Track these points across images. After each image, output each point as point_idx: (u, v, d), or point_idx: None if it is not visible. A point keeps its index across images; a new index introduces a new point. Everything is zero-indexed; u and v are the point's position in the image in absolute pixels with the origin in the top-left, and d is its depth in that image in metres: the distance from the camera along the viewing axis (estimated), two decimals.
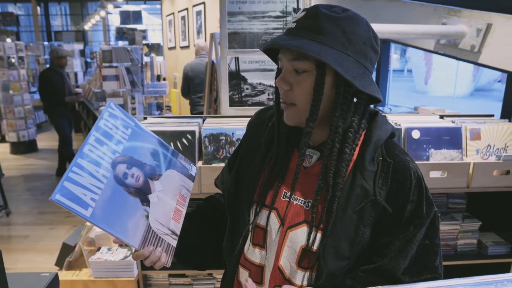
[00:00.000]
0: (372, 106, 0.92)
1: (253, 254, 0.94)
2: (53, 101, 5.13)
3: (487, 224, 2.06)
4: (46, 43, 11.52)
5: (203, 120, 1.95)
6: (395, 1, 2.73)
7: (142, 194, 0.90)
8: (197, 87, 4.74)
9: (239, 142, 1.09)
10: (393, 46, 4.06)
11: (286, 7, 2.03)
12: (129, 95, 4.39)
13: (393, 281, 0.83)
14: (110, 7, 9.14)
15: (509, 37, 2.06)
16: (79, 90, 5.66)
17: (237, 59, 2.07)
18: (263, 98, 2.12)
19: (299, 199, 0.89)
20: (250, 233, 0.96)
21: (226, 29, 2.04)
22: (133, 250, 0.87)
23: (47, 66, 9.88)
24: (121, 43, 8.91)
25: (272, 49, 0.89)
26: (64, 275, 2.06)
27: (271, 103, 2.12)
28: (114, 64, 4.38)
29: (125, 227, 0.84)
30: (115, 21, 12.98)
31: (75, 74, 9.72)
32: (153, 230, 0.89)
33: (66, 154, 5.44)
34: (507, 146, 1.89)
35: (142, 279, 2.02)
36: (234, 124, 1.86)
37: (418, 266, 0.85)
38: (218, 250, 1.04)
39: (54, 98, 5.10)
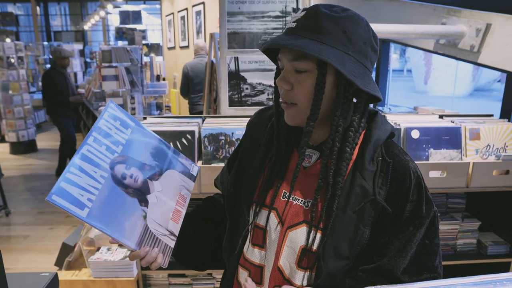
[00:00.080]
0: (371, 105, 0.92)
1: (253, 254, 0.94)
2: (56, 101, 5.12)
3: (487, 224, 2.06)
4: (45, 43, 11.52)
5: (203, 120, 1.95)
6: (395, 1, 2.73)
7: (141, 194, 0.90)
8: (196, 86, 4.75)
9: (239, 142, 1.09)
10: (392, 46, 4.06)
11: (285, 7, 2.03)
12: (128, 95, 4.39)
13: (393, 281, 0.83)
14: (109, 7, 9.14)
15: (508, 37, 2.06)
16: (82, 90, 5.66)
17: (236, 59, 2.07)
18: (262, 98, 2.12)
19: (299, 199, 0.89)
20: (249, 233, 0.96)
21: (226, 29, 2.04)
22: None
23: (47, 66, 9.97)
24: (120, 43, 8.90)
25: (271, 49, 0.89)
26: (64, 275, 2.06)
27: (271, 103, 2.12)
28: (114, 64, 4.38)
29: (122, 227, 0.84)
30: (114, 21, 12.98)
31: (75, 74, 9.71)
32: (150, 230, 0.88)
33: (70, 154, 5.43)
34: (507, 146, 1.89)
35: (141, 279, 2.02)
36: (233, 124, 1.86)
37: (418, 265, 0.85)
38: (218, 250, 1.04)
39: (57, 98, 5.10)
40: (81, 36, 15.01)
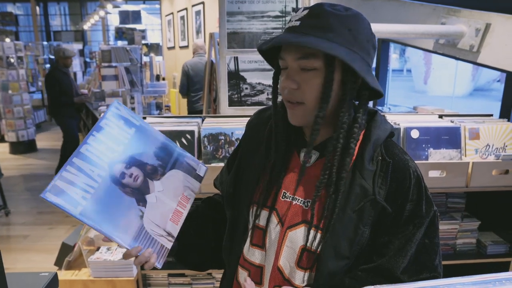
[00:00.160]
0: (371, 105, 0.92)
1: (253, 254, 0.94)
2: (61, 101, 5.12)
3: (486, 224, 2.06)
4: (45, 43, 11.50)
5: (202, 120, 1.95)
6: (394, 0, 2.74)
7: (139, 194, 0.89)
8: (196, 85, 4.77)
9: (238, 142, 1.09)
10: (392, 45, 4.07)
11: (285, 7, 2.03)
12: (128, 95, 4.39)
13: (392, 280, 0.83)
14: (109, 7, 9.14)
15: (508, 36, 2.06)
16: (85, 91, 5.66)
17: (236, 59, 2.07)
18: (262, 98, 2.12)
19: (299, 199, 0.89)
20: (249, 233, 0.96)
21: (225, 29, 2.04)
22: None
23: (47, 66, 9.96)
24: (120, 43, 8.89)
25: (268, 50, 0.88)
26: (64, 275, 2.06)
27: (270, 103, 2.12)
28: (113, 64, 4.38)
29: (116, 226, 0.84)
30: (114, 21, 12.96)
31: (74, 74, 9.70)
32: (146, 230, 0.88)
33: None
34: (506, 146, 1.89)
35: (141, 278, 2.02)
36: (233, 124, 1.86)
37: (418, 265, 0.85)
38: (218, 251, 1.03)
39: (61, 98, 5.10)
40: (80, 36, 15.01)
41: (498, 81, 13.69)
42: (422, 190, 0.85)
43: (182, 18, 6.64)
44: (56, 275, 1.16)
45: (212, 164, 1.79)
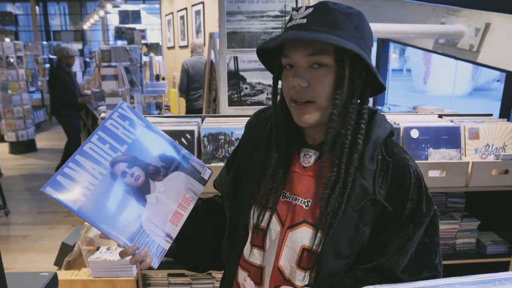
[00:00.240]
0: (370, 105, 0.92)
1: (253, 255, 0.94)
2: (65, 101, 5.11)
3: (486, 223, 2.06)
4: (45, 42, 11.49)
5: (202, 120, 1.95)
6: (394, 0, 2.74)
7: (140, 193, 0.90)
8: (195, 84, 4.81)
9: (238, 143, 1.09)
10: (392, 45, 4.06)
11: (285, 7, 2.03)
12: (128, 95, 4.38)
13: (392, 280, 0.83)
14: (109, 6, 9.13)
15: (507, 36, 2.06)
16: (88, 92, 5.65)
17: (236, 58, 2.07)
18: (262, 97, 2.12)
19: (299, 199, 0.89)
20: (249, 234, 0.96)
21: (225, 29, 2.04)
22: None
23: (47, 65, 9.95)
24: (120, 43, 8.88)
25: (265, 50, 0.88)
26: (63, 275, 2.06)
27: (270, 102, 2.12)
28: (113, 64, 4.37)
29: (113, 223, 0.85)
30: (114, 20, 12.95)
31: (74, 74, 9.68)
32: (144, 230, 0.89)
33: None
34: (506, 145, 1.89)
35: (141, 278, 2.02)
36: (233, 123, 1.86)
37: (418, 264, 0.85)
38: (217, 252, 1.03)
39: (65, 98, 5.09)
40: (80, 36, 15.00)
41: (498, 80, 13.69)
42: (422, 189, 0.85)
43: (181, 18, 6.63)
44: (55, 275, 1.15)
45: (212, 164, 1.79)
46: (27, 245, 3.67)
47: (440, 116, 2.06)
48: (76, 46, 10.91)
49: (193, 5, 6.05)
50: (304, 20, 0.80)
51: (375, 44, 3.53)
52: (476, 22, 2.17)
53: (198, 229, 1.04)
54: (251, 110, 1.44)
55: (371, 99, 0.93)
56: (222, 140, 1.80)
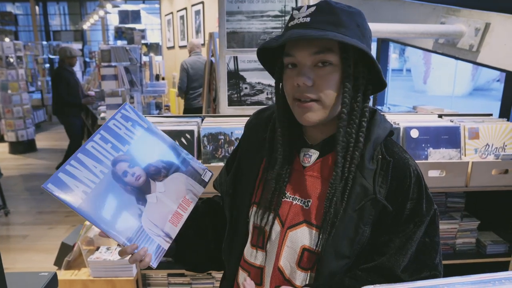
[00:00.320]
0: (370, 105, 0.92)
1: (253, 255, 0.94)
2: (67, 101, 5.11)
3: (486, 223, 2.06)
4: (44, 42, 11.48)
5: (202, 120, 1.95)
6: (394, 0, 2.74)
7: (140, 193, 0.90)
8: (194, 83, 4.85)
9: (237, 143, 1.09)
10: (392, 45, 4.06)
11: (284, 7, 2.03)
12: (127, 95, 4.38)
13: (393, 279, 0.83)
14: (108, 6, 9.14)
15: (507, 36, 2.06)
16: (92, 93, 5.65)
17: (235, 58, 2.07)
18: (261, 97, 2.12)
19: (299, 199, 0.89)
20: (249, 234, 0.95)
21: (225, 29, 2.04)
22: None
23: (47, 65, 9.94)
24: (119, 43, 8.88)
25: (267, 50, 0.88)
26: (63, 275, 2.06)
27: (270, 102, 2.12)
28: (113, 64, 4.37)
29: (113, 222, 0.85)
30: (113, 20, 12.95)
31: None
32: (143, 229, 0.89)
33: None
34: (506, 145, 1.89)
35: (141, 278, 2.02)
36: (232, 123, 1.86)
37: (418, 263, 0.85)
38: (217, 252, 1.03)
39: (69, 98, 5.09)
40: (80, 36, 15.00)
41: (498, 80, 13.69)
42: (423, 189, 0.85)
43: (181, 17, 6.63)
44: (55, 275, 1.15)
45: (212, 164, 1.79)
46: (27, 245, 3.67)
47: (440, 116, 2.06)
48: (76, 46, 10.89)
49: (193, 5, 6.05)
50: (308, 19, 0.79)
51: (375, 44, 3.53)
52: (476, 22, 2.17)
53: (197, 229, 1.04)
54: (251, 110, 1.44)
55: (371, 99, 0.92)
56: (222, 140, 1.80)
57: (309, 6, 0.81)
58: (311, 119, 0.83)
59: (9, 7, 15.56)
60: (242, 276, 0.96)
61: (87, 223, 2.00)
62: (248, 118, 1.06)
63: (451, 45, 2.34)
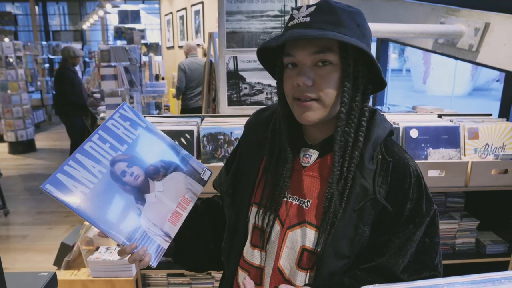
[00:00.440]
0: (370, 105, 0.92)
1: (252, 255, 0.94)
2: (71, 101, 5.10)
3: (485, 223, 2.07)
4: (44, 42, 11.48)
5: (202, 120, 1.95)
6: (394, 0, 2.74)
7: (139, 193, 0.90)
8: (191, 83, 4.91)
9: (237, 143, 1.09)
10: (391, 45, 4.07)
11: (284, 6, 2.03)
12: (127, 95, 4.37)
13: (392, 279, 0.83)
14: (108, 6, 9.14)
15: (507, 36, 2.06)
16: (97, 95, 5.64)
17: (235, 58, 2.07)
18: (261, 97, 2.12)
19: (298, 199, 0.89)
20: (249, 234, 0.95)
21: (225, 29, 2.04)
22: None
23: (46, 65, 9.94)
24: (119, 43, 8.88)
25: (266, 50, 0.88)
26: (63, 275, 2.06)
27: (270, 102, 2.12)
28: (113, 64, 4.36)
29: (112, 222, 0.85)
30: (113, 20, 12.95)
31: None
32: (142, 229, 0.89)
33: None
34: (505, 145, 1.89)
35: (140, 278, 2.02)
36: (232, 123, 1.86)
37: (418, 264, 0.85)
38: (216, 252, 1.03)
39: (72, 98, 5.09)
40: (79, 36, 14.99)
41: (497, 80, 13.70)
42: (422, 189, 0.85)
43: (181, 17, 6.64)
44: (55, 275, 1.16)
45: (211, 164, 1.79)
46: (26, 245, 3.67)
47: (440, 116, 2.06)
48: (76, 46, 10.87)
49: (192, 5, 6.05)
50: (308, 19, 0.80)
51: (374, 44, 3.54)
52: (476, 22, 2.17)
53: (197, 229, 1.04)
54: (251, 110, 1.44)
55: (370, 99, 0.92)
56: (222, 140, 1.79)
57: (308, 6, 0.81)
58: (311, 118, 0.83)
59: (9, 7, 15.55)
60: (242, 276, 0.96)
61: (87, 223, 1.99)
62: (247, 118, 1.06)
63: (450, 45, 2.34)
